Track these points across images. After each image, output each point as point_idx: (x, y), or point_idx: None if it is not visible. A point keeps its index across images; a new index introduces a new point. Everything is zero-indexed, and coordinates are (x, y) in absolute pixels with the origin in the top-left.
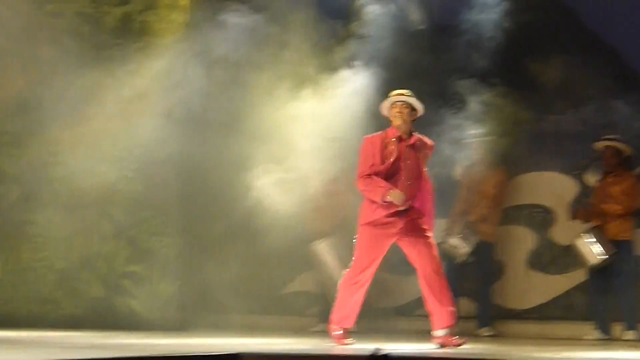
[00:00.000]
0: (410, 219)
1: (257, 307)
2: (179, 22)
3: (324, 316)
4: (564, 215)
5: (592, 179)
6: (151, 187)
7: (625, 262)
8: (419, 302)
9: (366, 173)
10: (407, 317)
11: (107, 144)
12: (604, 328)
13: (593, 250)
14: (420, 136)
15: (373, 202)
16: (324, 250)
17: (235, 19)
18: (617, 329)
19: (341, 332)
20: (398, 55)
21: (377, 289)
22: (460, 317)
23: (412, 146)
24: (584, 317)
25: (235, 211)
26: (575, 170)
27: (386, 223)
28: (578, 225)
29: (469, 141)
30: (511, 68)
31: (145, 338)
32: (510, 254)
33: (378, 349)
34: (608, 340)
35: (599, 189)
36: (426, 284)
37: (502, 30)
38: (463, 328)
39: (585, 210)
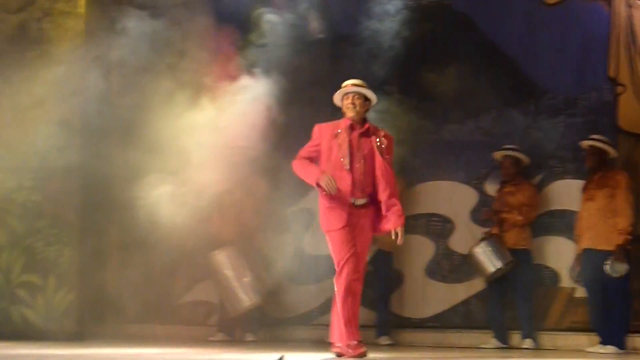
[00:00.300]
0: (365, 213)
1: (155, 317)
2: (77, 30)
3: (223, 325)
4: (462, 225)
5: (491, 188)
6: (48, 196)
7: (523, 271)
8: (318, 311)
9: (302, 155)
10: (306, 326)
11: (3, 153)
12: (502, 337)
13: (491, 259)
14: (378, 129)
15: (328, 208)
16: (223, 260)
17: (134, 26)
18: (515, 337)
19: (356, 342)
20: (298, 64)
21: (276, 298)
22: (360, 326)
23: (365, 135)
24: (483, 326)
25: (132, 221)
26: (474, 180)
27: (347, 224)
28: (477, 234)
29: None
30: (409, 77)
31: (40, 348)
32: (410, 263)
33: (282, 357)
34: (506, 348)
35: (497, 198)
36: None
37: (401, 39)
38: (362, 337)
39: (489, 211)
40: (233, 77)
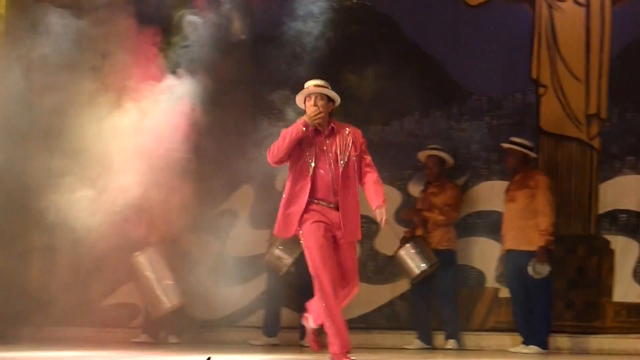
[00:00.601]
0: (335, 217)
1: (79, 320)
2: None
3: (147, 327)
4: (388, 226)
5: (414, 189)
6: None
7: (447, 271)
8: (244, 313)
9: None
10: (231, 327)
11: None
12: (426, 337)
13: (415, 261)
14: (343, 125)
15: (285, 218)
16: (143, 262)
17: (56, 26)
18: (439, 338)
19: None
20: (221, 65)
21: (200, 300)
22: (282, 328)
23: (332, 137)
24: (407, 327)
25: (54, 224)
26: (398, 181)
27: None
28: (401, 235)
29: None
30: (333, 78)
31: None
32: None
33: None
34: (429, 349)
35: (421, 199)
36: None
37: (325, 40)
38: (286, 339)
39: (409, 211)
40: (156, 79)
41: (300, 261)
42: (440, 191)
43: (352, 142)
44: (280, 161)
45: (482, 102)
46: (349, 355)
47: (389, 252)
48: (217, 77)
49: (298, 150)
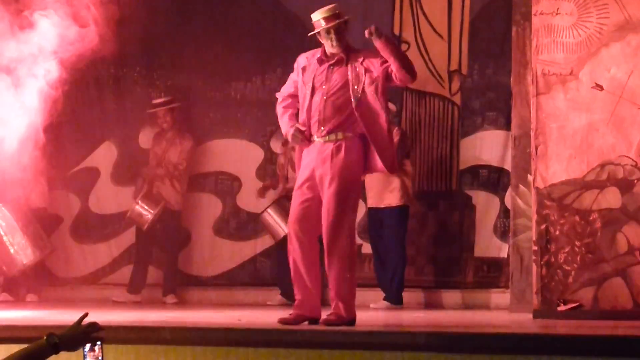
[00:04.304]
0: (328, 161)
1: None
2: None
3: (6, 285)
4: (249, 182)
5: (277, 145)
6: None
7: None
8: (106, 270)
9: (282, 94)
10: (95, 285)
11: None
12: (288, 294)
13: (280, 223)
14: (357, 53)
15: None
16: None
17: None
18: None
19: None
20: None
21: (62, 258)
22: (147, 285)
23: (338, 65)
24: (270, 283)
25: None
26: (260, 138)
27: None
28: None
29: (154, 110)
30: (188, 31)
31: None
32: (197, 221)
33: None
34: (291, 305)
35: (283, 153)
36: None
37: None
38: (149, 296)
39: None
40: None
41: (162, 218)
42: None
43: (366, 69)
44: None
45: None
46: None
47: (252, 209)
48: None
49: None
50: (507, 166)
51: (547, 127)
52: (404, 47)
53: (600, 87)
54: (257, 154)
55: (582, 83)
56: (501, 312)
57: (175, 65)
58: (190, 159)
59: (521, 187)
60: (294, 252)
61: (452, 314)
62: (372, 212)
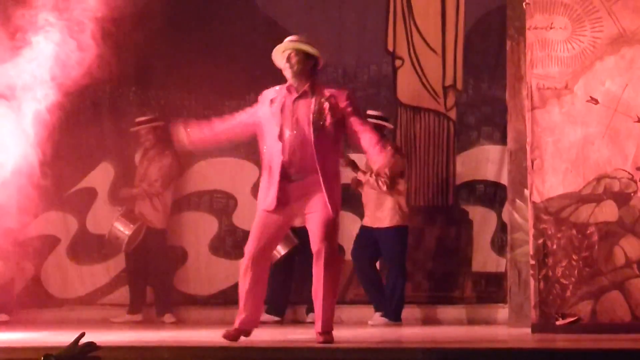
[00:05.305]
0: (301, 191)
1: None
2: None
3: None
4: (245, 201)
5: None
6: None
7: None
8: (104, 290)
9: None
10: (92, 305)
11: None
12: (279, 310)
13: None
14: (324, 88)
15: (262, 186)
16: None
17: None
18: (300, 312)
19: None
20: None
21: (58, 278)
22: (146, 305)
23: (304, 98)
24: (265, 302)
25: None
26: (253, 154)
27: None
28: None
29: (138, 128)
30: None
31: None
32: (193, 240)
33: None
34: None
35: None
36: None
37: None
38: (148, 316)
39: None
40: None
41: (146, 238)
42: None
43: (331, 107)
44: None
45: (337, 74)
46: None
47: (249, 228)
48: None
49: (269, 112)
50: (504, 181)
51: (543, 141)
52: (397, 63)
53: (595, 101)
54: (252, 172)
55: (577, 97)
56: (500, 326)
57: (169, 85)
58: (169, 176)
59: (518, 201)
60: (261, 271)
61: (450, 329)
62: (366, 230)
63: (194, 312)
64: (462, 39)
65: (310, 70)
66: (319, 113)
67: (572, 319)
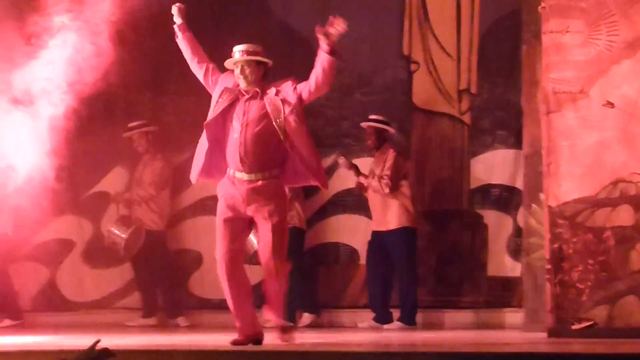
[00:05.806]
0: (253, 193)
1: None
2: None
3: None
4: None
5: None
6: None
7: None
8: (118, 294)
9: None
10: (107, 309)
11: None
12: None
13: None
14: (272, 86)
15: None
16: None
17: None
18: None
19: None
20: None
21: (74, 282)
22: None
23: (255, 101)
24: None
25: None
26: None
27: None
28: None
29: (130, 133)
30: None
31: None
32: (208, 244)
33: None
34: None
35: None
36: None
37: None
38: (162, 319)
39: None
40: None
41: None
42: None
43: (283, 99)
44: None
45: (352, 79)
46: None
47: None
48: None
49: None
50: (519, 185)
51: (559, 146)
52: (413, 67)
53: (612, 105)
54: None
55: (593, 101)
56: (515, 331)
57: (183, 90)
58: (162, 179)
59: (533, 205)
60: (242, 277)
61: (465, 333)
62: (375, 235)
63: (208, 315)
64: (477, 43)
65: (262, 74)
66: (276, 110)
67: (588, 324)
